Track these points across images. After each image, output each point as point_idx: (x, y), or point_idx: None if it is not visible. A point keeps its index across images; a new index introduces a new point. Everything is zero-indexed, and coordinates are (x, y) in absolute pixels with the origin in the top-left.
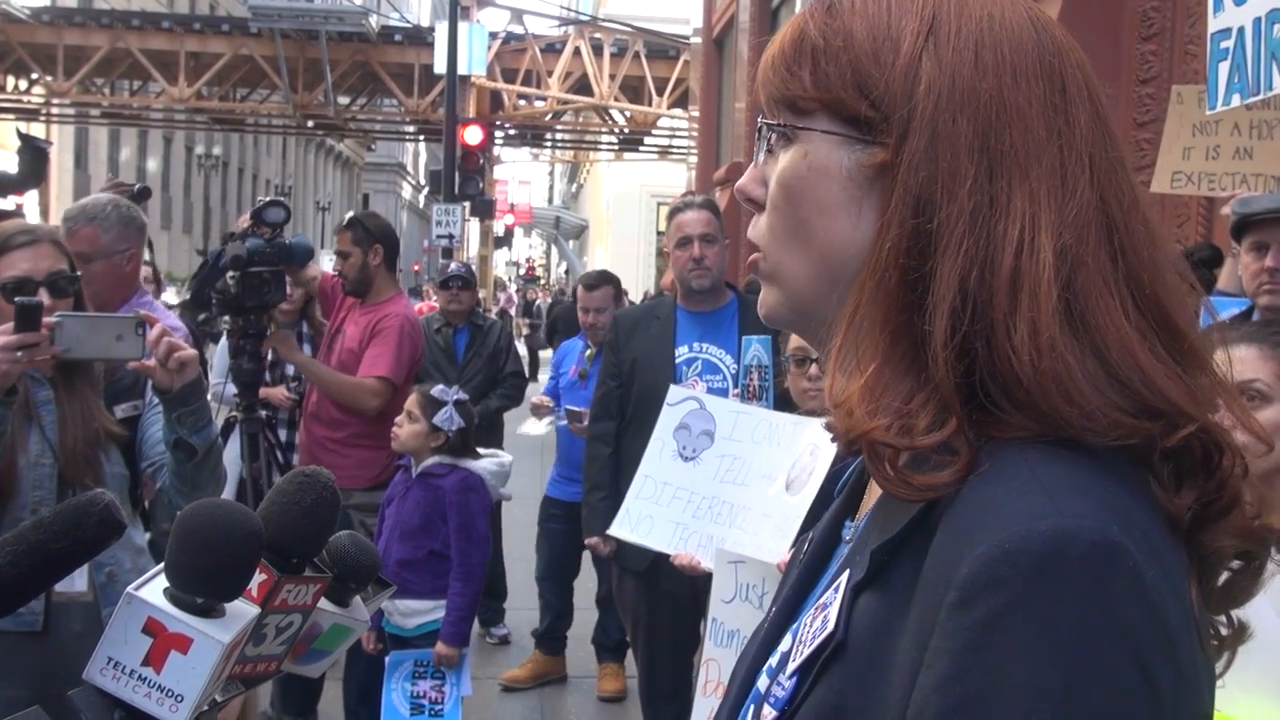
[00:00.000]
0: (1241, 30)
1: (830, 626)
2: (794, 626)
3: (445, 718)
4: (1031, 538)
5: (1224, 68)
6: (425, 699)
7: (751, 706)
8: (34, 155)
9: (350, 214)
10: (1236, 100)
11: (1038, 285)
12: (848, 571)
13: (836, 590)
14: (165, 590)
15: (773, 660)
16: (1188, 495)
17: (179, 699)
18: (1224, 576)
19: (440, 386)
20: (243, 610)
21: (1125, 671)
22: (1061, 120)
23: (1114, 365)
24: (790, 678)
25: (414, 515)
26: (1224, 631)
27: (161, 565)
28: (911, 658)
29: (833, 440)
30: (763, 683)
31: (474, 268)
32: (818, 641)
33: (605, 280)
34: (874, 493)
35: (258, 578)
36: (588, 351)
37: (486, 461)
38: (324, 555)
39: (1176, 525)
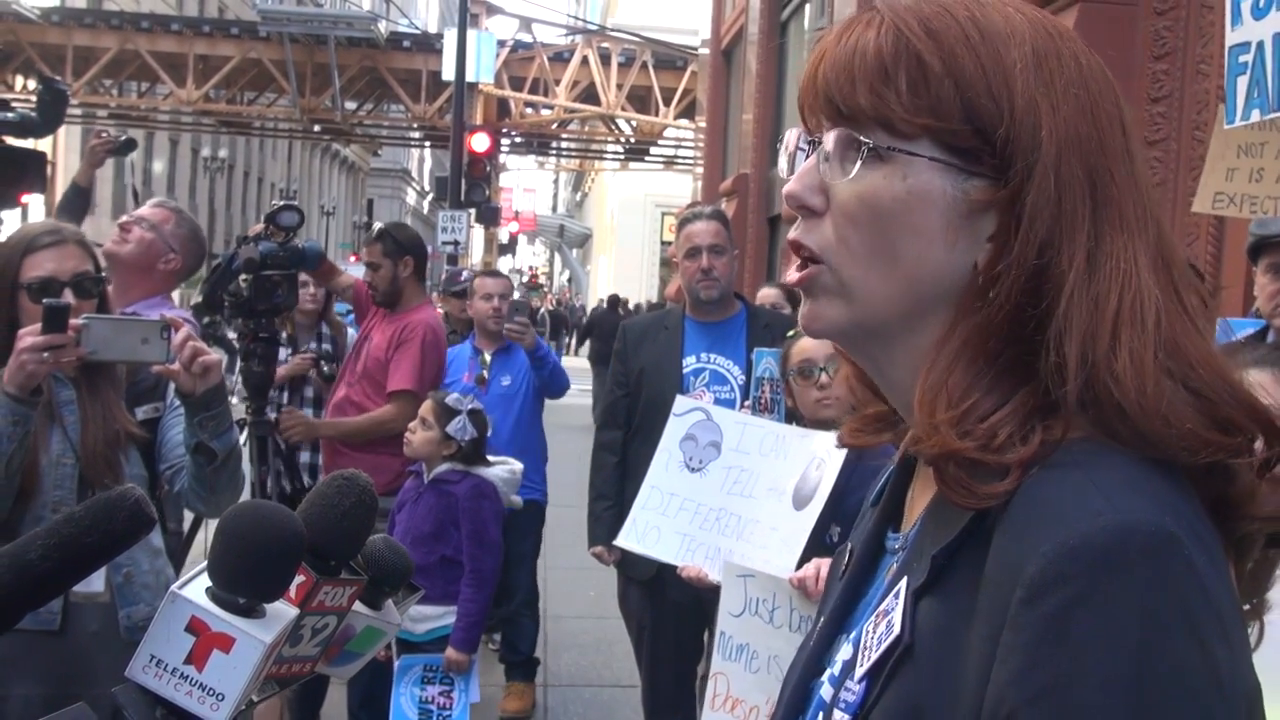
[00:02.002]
0: (1261, 44)
1: (896, 630)
2: (853, 635)
3: None
4: (1093, 534)
5: (1242, 82)
6: (434, 704)
7: (820, 714)
8: (54, 98)
9: (379, 225)
10: (1256, 115)
11: (1144, 319)
12: (905, 578)
13: (897, 596)
14: (207, 590)
15: (833, 669)
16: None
17: (220, 697)
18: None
19: (455, 395)
20: (282, 611)
21: (1188, 653)
22: (1131, 162)
23: (1204, 386)
24: (859, 682)
25: (426, 521)
26: (1245, 607)
27: (203, 566)
28: (982, 654)
29: (913, 449)
30: (826, 691)
31: None
32: (884, 646)
33: (502, 273)
34: (918, 502)
35: (296, 579)
36: (483, 356)
37: (498, 469)
38: (359, 558)
39: (1220, 510)
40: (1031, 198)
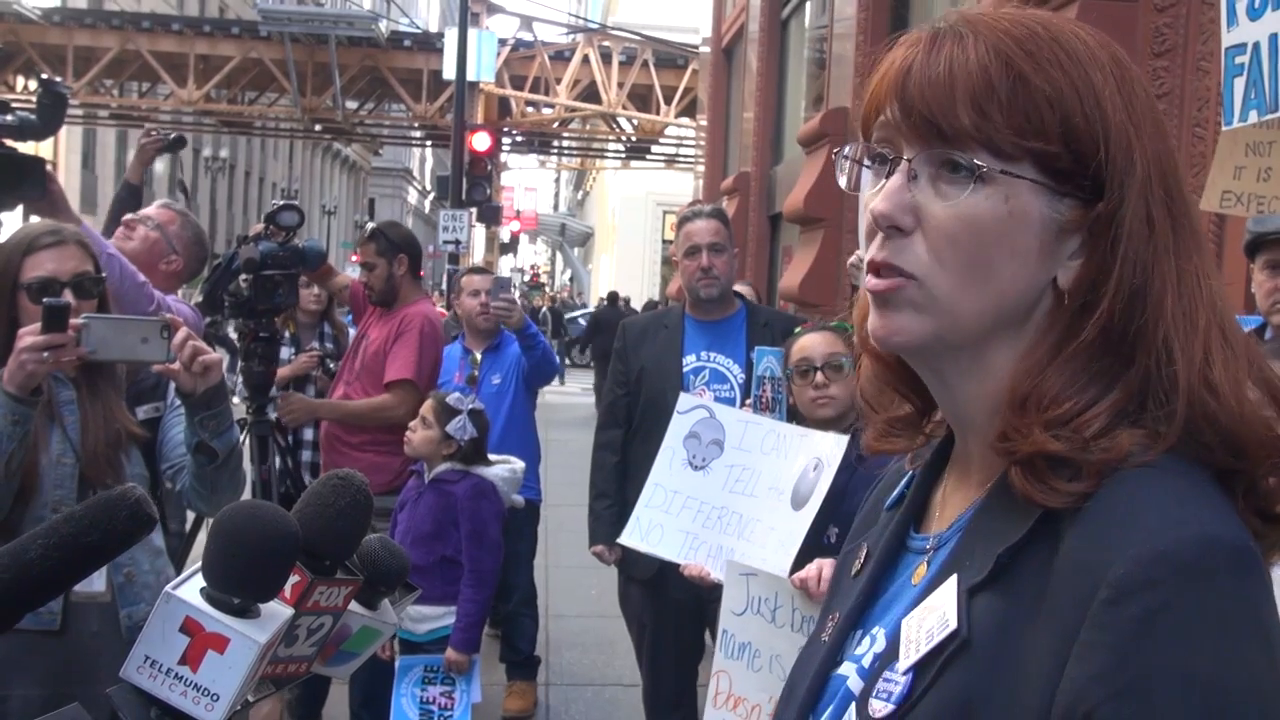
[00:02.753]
0: (1257, 45)
1: (952, 624)
2: (884, 630)
3: None
4: (1182, 543)
5: (1239, 83)
6: (435, 705)
7: (851, 705)
8: (54, 100)
9: (371, 225)
10: (1254, 117)
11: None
12: (955, 575)
13: (948, 591)
14: (202, 590)
15: (862, 661)
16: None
17: (215, 698)
18: None
19: (456, 395)
20: (277, 611)
21: (1261, 658)
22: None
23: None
24: (905, 674)
25: (426, 521)
26: None
27: (198, 566)
28: (1050, 651)
29: (999, 447)
30: (854, 683)
31: None
32: (937, 640)
33: (489, 270)
34: (950, 504)
35: (291, 579)
36: (473, 355)
37: (498, 468)
38: (354, 558)
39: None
40: (1129, 219)
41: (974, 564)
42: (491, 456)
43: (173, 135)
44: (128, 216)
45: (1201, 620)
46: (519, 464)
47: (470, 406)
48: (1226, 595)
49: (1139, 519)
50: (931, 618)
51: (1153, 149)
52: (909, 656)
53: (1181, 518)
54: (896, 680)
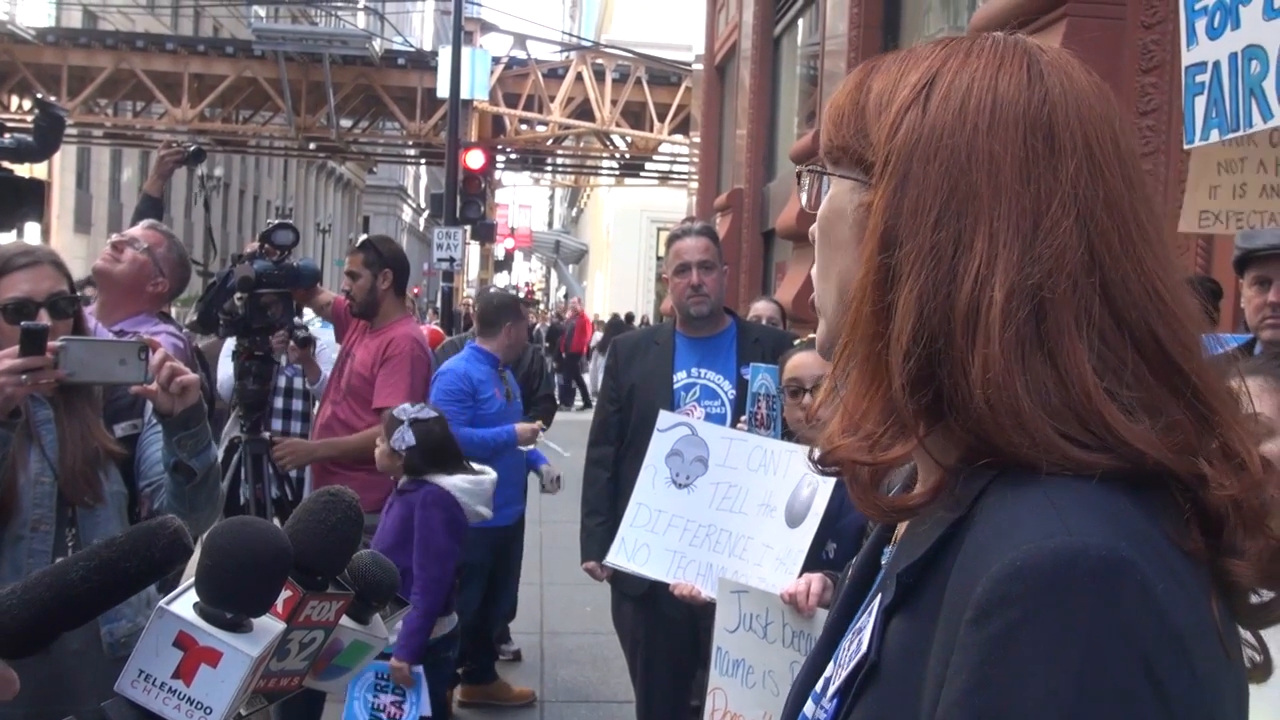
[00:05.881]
0: (1217, 64)
1: (864, 649)
2: (836, 652)
3: None
4: (1040, 555)
5: (1200, 102)
6: (385, 713)
7: None
8: (51, 123)
9: (364, 236)
10: (1215, 135)
11: (990, 321)
12: (879, 595)
13: (870, 614)
14: (195, 605)
15: (818, 686)
16: (1192, 527)
17: (208, 711)
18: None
19: (404, 405)
20: (269, 625)
21: (1134, 679)
22: (1042, 167)
23: (1073, 401)
24: (831, 700)
25: (391, 533)
26: (1258, 659)
27: (191, 581)
28: (936, 674)
29: (823, 461)
30: (809, 707)
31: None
32: (853, 664)
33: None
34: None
35: (283, 594)
36: (503, 372)
37: (459, 478)
38: (346, 573)
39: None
40: (878, 194)
41: (891, 585)
42: (475, 465)
43: (192, 148)
44: (114, 237)
45: (1061, 637)
46: (489, 475)
47: (412, 416)
48: (1091, 609)
49: (1011, 534)
50: (855, 641)
51: (940, 134)
52: (835, 682)
53: (1051, 529)
54: (826, 707)
